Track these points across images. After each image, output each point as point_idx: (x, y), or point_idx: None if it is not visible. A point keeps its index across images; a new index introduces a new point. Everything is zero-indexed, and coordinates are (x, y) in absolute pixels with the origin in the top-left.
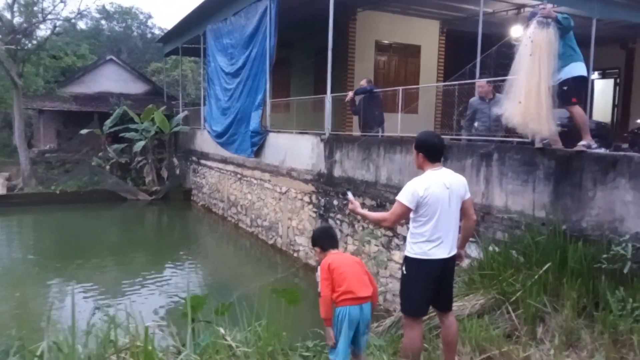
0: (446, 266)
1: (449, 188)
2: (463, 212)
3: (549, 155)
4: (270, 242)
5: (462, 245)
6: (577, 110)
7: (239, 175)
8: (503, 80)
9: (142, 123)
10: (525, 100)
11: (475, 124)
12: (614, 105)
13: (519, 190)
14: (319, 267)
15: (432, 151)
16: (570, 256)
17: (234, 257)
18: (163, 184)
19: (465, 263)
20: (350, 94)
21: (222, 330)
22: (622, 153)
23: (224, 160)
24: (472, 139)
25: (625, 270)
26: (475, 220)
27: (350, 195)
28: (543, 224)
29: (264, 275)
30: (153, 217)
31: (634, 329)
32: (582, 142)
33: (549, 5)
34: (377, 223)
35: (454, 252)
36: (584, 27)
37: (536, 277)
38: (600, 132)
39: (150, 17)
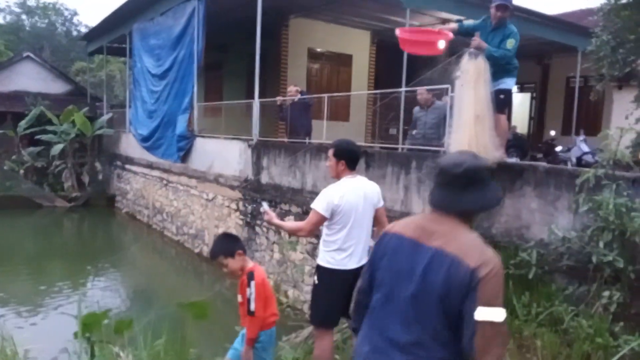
0: (357, 276)
1: (363, 196)
2: (376, 220)
3: None
4: (197, 250)
5: None
6: (504, 120)
7: (165, 181)
8: (442, 89)
9: (61, 125)
10: (455, 129)
11: (413, 132)
12: (530, 118)
13: None
14: (252, 283)
15: (353, 159)
16: None
17: (158, 268)
18: (84, 189)
19: None
20: (286, 96)
21: (116, 350)
22: (528, 162)
23: (150, 166)
24: (409, 147)
25: (530, 276)
26: None
27: (265, 206)
28: None
29: (190, 286)
30: (72, 225)
31: (537, 334)
32: (495, 154)
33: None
34: (294, 233)
35: (364, 261)
36: None
37: None
38: (518, 143)
39: (76, 14)
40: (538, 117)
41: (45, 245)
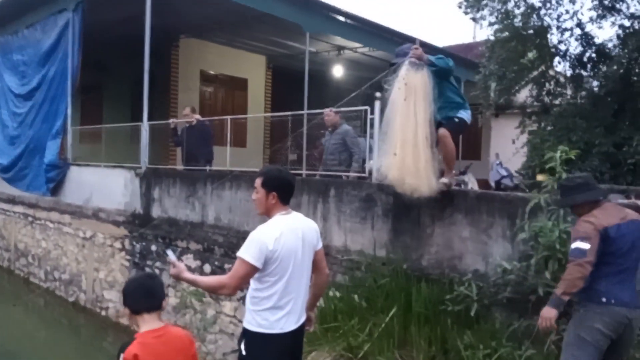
0: (296, 338)
1: (301, 237)
2: (314, 265)
3: (386, 190)
4: (71, 299)
5: (312, 306)
6: (451, 143)
7: (30, 218)
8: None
9: None
10: (400, 151)
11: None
12: None
13: (358, 228)
14: (121, 356)
15: (287, 190)
16: (415, 299)
17: (24, 323)
18: None
19: None
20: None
21: None
22: (457, 188)
23: (12, 200)
24: (311, 173)
25: (472, 313)
26: (329, 275)
27: (171, 256)
28: (384, 263)
29: (65, 343)
30: None
31: None
32: (444, 180)
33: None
34: (214, 291)
35: (303, 318)
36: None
37: (383, 326)
38: None
39: None
40: None
41: None
